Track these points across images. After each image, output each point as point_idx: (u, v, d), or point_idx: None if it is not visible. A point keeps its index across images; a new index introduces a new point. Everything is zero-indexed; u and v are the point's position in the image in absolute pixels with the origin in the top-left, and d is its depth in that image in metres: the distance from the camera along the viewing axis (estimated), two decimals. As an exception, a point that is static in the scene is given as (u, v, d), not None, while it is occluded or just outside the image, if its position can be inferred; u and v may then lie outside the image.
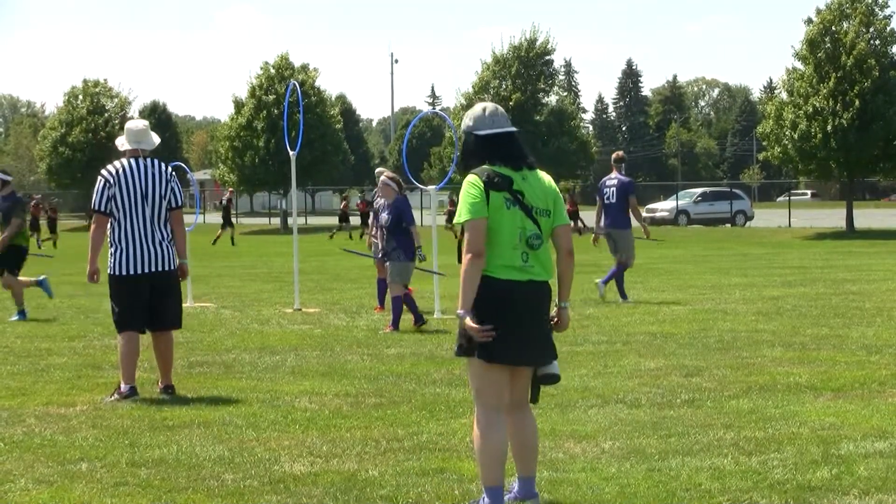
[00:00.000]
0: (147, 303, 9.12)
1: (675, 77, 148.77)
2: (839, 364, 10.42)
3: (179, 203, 9.30)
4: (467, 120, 5.82)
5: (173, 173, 9.38)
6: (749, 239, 43.14)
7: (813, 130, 43.26)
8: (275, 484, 6.36)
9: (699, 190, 59.57)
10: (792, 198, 63.95)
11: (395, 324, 13.48)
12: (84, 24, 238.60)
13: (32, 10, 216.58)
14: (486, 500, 5.63)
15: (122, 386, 9.00)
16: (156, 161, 9.29)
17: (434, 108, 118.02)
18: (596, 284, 16.83)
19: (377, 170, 14.84)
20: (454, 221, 5.77)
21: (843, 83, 43.50)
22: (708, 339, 12.21)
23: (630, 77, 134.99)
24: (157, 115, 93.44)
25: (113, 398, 8.93)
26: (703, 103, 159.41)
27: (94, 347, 12.20)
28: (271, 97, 60.96)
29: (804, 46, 44.83)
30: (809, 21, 45.10)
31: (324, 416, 8.21)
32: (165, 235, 9.20)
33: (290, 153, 16.87)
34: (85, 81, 74.67)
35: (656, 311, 15.30)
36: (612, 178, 17.05)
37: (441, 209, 52.57)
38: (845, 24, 44.64)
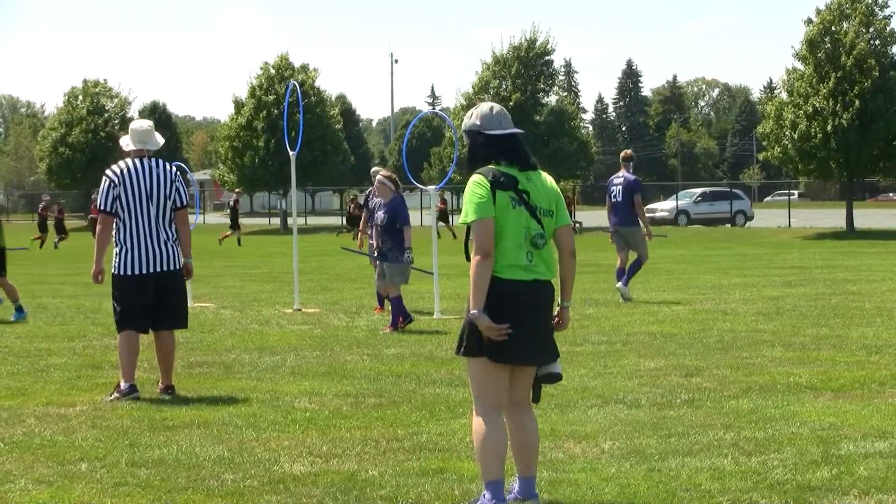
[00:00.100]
0: (151, 303, 9.13)
1: (675, 77, 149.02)
2: (839, 364, 10.42)
3: (184, 203, 9.31)
4: (474, 119, 5.82)
5: (178, 173, 9.39)
6: (749, 239, 43.14)
7: (813, 130, 43.27)
8: (275, 484, 6.36)
9: (699, 190, 59.62)
10: (778, 198, 64.22)
11: (395, 324, 13.48)
12: (84, 24, 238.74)
13: (32, 10, 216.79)
14: (486, 495, 5.63)
15: (122, 384, 9.00)
16: (160, 161, 9.30)
17: (434, 109, 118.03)
18: (619, 290, 16.66)
19: (373, 169, 14.84)
20: (460, 221, 5.77)
21: (843, 83, 43.50)
22: (708, 339, 12.21)
23: (630, 77, 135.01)
24: (157, 115, 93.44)
25: (113, 397, 8.93)
26: (703, 103, 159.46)
27: (94, 347, 12.20)
28: (271, 97, 60.97)
29: (804, 46, 44.84)
30: (809, 21, 45.11)
31: (324, 417, 8.21)
32: (170, 235, 9.21)
33: (290, 153, 16.87)
34: (85, 81, 74.69)
35: (656, 311, 15.30)
36: (619, 177, 17.12)
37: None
38: (845, 25, 44.64)
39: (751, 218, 54.59)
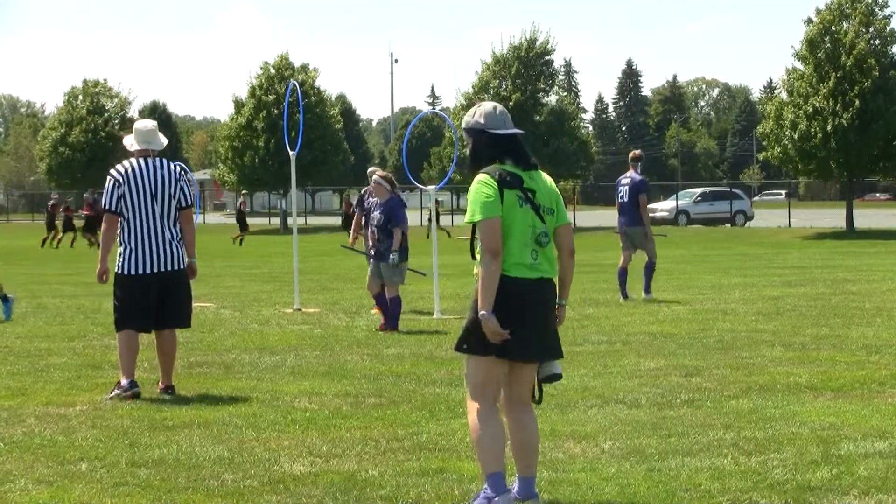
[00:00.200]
0: (154, 302, 9.14)
1: (674, 77, 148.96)
2: (839, 364, 10.42)
3: (189, 202, 9.32)
4: (477, 118, 5.83)
5: (182, 172, 9.40)
6: (749, 239, 43.15)
7: (813, 130, 43.27)
8: (275, 484, 6.36)
9: (699, 190, 59.59)
10: (766, 198, 64.33)
11: (395, 324, 13.49)
12: (84, 24, 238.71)
13: (32, 10, 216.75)
14: (486, 490, 5.66)
15: (123, 380, 8.99)
16: (165, 160, 9.32)
17: (434, 108, 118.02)
18: (644, 300, 16.60)
19: (370, 169, 14.84)
20: (465, 220, 5.79)
21: (842, 83, 43.51)
22: (708, 339, 12.21)
23: (630, 77, 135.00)
24: (157, 115, 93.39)
25: (114, 394, 8.93)
26: (702, 103, 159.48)
27: (94, 347, 12.19)
28: (271, 97, 60.94)
29: (804, 46, 44.84)
30: (809, 21, 45.11)
31: (324, 416, 8.21)
32: (175, 235, 9.22)
33: (290, 153, 16.87)
34: (85, 81, 74.68)
35: (656, 311, 15.30)
36: (626, 177, 17.17)
37: (440, 208, 52.58)
38: (845, 24, 44.65)
39: (751, 218, 54.58)
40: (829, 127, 42.84)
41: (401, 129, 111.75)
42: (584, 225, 52.59)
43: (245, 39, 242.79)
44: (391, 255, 13.55)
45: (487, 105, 5.88)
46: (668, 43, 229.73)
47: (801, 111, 43.86)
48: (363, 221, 15.09)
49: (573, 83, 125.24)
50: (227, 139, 63.08)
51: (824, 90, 43.47)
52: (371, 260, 13.94)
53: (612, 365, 10.48)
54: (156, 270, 9.09)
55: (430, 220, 45.00)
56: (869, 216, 53.25)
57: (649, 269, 16.95)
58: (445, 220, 53.84)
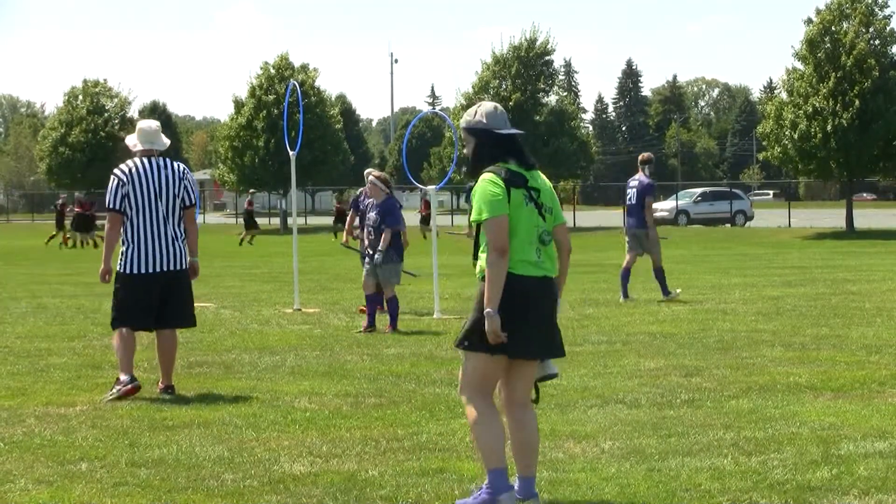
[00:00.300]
0: (156, 301, 9.14)
1: (674, 77, 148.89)
2: (839, 364, 10.42)
3: (193, 201, 9.34)
4: (479, 117, 5.85)
5: (186, 171, 9.41)
6: (749, 239, 43.15)
7: (813, 130, 43.27)
8: (274, 484, 6.36)
9: (699, 190, 59.60)
10: (754, 198, 64.42)
11: (393, 324, 13.50)
12: (84, 24, 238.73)
13: (32, 10, 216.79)
14: (486, 486, 5.67)
15: (122, 376, 8.98)
16: (168, 160, 9.33)
17: (434, 108, 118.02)
18: (666, 301, 16.60)
19: (366, 171, 14.85)
20: (471, 219, 5.80)
21: (842, 83, 43.51)
22: (708, 339, 12.21)
23: (630, 77, 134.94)
24: (157, 115, 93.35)
25: (113, 391, 8.91)
26: (702, 103, 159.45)
27: (94, 347, 12.19)
28: (271, 97, 60.95)
29: (804, 46, 44.84)
30: (809, 21, 45.11)
31: (323, 416, 8.21)
32: (179, 234, 9.24)
33: (290, 153, 16.87)
34: (85, 81, 74.62)
35: (656, 311, 15.30)
36: (635, 180, 17.19)
37: (440, 208, 52.53)
38: (845, 24, 44.65)
39: (751, 218, 54.59)
40: (829, 127, 42.84)
41: (401, 129, 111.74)
42: (584, 225, 52.62)
43: (245, 39, 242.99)
44: (376, 254, 13.58)
45: (488, 105, 5.91)
46: (668, 43, 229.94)
47: (801, 111, 43.86)
48: (359, 222, 15.11)
49: (573, 83, 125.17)
50: (227, 139, 63.08)
51: (824, 90, 43.47)
52: (366, 260, 13.96)
53: (612, 365, 10.48)
54: (159, 269, 9.10)
55: (421, 221, 45.16)
56: (869, 216, 53.25)
57: (659, 274, 16.94)
58: (443, 221, 53.75)
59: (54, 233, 44.39)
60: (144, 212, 9.10)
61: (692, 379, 9.66)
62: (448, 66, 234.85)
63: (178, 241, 9.21)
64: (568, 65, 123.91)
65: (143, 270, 9.08)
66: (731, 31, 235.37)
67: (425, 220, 46.15)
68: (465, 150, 5.99)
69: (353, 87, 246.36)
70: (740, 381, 9.50)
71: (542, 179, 5.89)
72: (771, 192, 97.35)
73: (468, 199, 5.91)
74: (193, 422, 8.04)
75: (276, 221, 66.29)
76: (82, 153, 71.32)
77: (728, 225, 53.32)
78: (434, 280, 15.52)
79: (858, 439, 7.25)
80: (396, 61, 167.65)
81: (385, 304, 13.87)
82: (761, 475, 6.38)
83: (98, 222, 44.78)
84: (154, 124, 9.50)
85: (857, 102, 42.79)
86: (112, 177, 9.19)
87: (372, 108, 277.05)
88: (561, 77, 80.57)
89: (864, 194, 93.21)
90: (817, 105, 43.42)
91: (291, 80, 52.01)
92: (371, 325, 13.44)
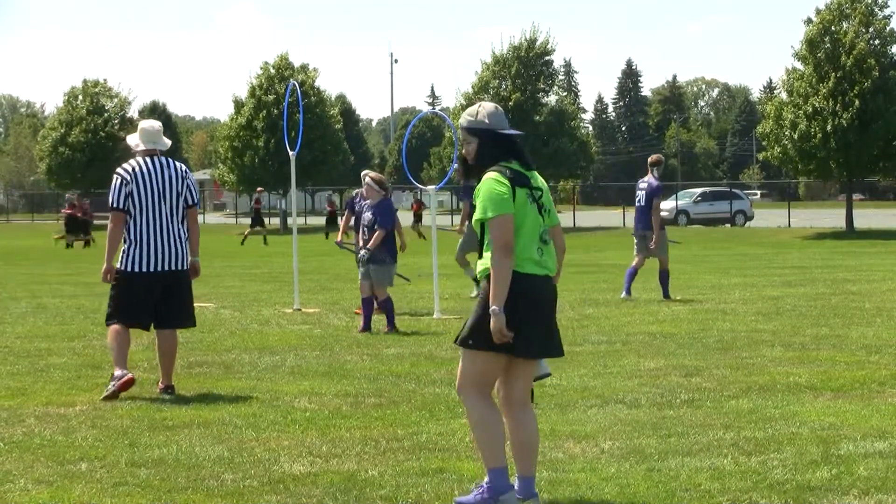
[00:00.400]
0: (156, 301, 9.14)
1: (674, 77, 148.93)
2: (839, 364, 10.42)
3: (195, 201, 9.36)
4: (481, 118, 5.86)
5: (188, 171, 9.43)
6: (749, 239, 43.16)
7: (813, 130, 43.28)
8: (274, 484, 6.36)
9: (699, 190, 59.60)
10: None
11: (392, 324, 13.50)
12: (84, 24, 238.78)
13: (32, 10, 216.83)
14: (486, 485, 5.68)
15: (116, 371, 8.96)
16: (170, 160, 9.35)
17: (434, 108, 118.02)
18: (666, 301, 16.62)
19: (363, 172, 14.86)
20: (476, 218, 5.81)
21: (842, 83, 43.52)
22: (708, 339, 12.21)
23: (630, 77, 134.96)
24: (158, 115, 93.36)
25: (110, 387, 8.89)
26: (702, 103, 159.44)
27: (94, 347, 12.19)
28: (271, 97, 60.96)
29: (804, 46, 44.85)
30: (809, 21, 45.12)
31: (323, 416, 8.21)
32: (182, 233, 9.25)
33: (290, 153, 16.86)
34: (85, 81, 74.60)
35: (656, 311, 15.30)
36: (644, 182, 17.21)
37: (440, 208, 52.50)
38: (845, 24, 44.66)
39: (751, 218, 54.59)
40: (828, 127, 42.84)
41: (401, 129, 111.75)
42: (583, 225, 52.64)
43: (245, 39, 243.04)
44: (362, 252, 13.61)
45: (489, 105, 5.91)
46: (668, 43, 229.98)
47: (801, 111, 43.87)
48: (354, 223, 15.10)
49: (573, 83, 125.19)
50: (226, 139, 63.08)
51: (824, 90, 43.47)
52: (362, 262, 13.96)
53: (612, 365, 10.48)
54: (160, 269, 9.11)
55: (414, 219, 45.16)
56: (869, 216, 53.26)
57: (664, 277, 16.94)
58: (442, 221, 53.75)
59: (62, 234, 44.39)
60: (148, 211, 9.11)
61: (692, 379, 9.66)
62: (448, 66, 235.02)
63: (180, 240, 9.23)
64: (568, 65, 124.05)
65: (144, 269, 9.09)
66: (731, 31, 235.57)
67: (418, 218, 46.28)
68: (463, 150, 5.98)
69: (353, 87, 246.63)
70: (740, 381, 9.50)
71: (541, 180, 5.93)
72: (759, 192, 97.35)
73: (462, 199, 5.94)
74: (193, 422, 8.04)
75: (276, 221, 66.27)
76: (82, 153, 71.30)
77: (728, 225, 53.34)
78: (434, 280, 15.52)
79: (858, 439, 7.25)
80: (396, 61, 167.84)
81: (378, 306, 13.87)
82: (761, 475, 6.38)
83: (94, 223, 44.83)
84: (156, 124, 9.52)
85: (856, 102, 42.79)
86: (115, 176, 9.19)
87: (372, 108, 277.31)
88: (561, 77, 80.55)
89: (856, 195, 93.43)
90: (817, 105, 43.43)
91: (291, 80, 52.05)
92: (366, 328, 13.44)
